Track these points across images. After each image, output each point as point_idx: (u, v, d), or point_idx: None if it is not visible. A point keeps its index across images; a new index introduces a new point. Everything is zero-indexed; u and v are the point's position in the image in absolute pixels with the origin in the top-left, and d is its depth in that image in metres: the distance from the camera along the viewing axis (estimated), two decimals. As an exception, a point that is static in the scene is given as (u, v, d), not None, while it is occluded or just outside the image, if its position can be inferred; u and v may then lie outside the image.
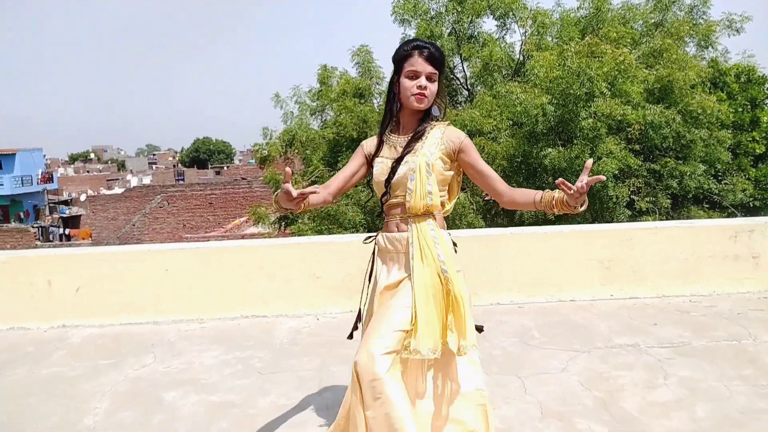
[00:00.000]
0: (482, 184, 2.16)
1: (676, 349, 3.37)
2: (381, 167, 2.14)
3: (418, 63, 2.04)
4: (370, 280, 2.26)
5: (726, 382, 2.90)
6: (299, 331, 4.07)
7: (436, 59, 2.05)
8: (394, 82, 2.12)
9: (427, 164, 2.05)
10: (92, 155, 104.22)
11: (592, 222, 8.15)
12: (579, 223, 8.04)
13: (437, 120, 2.15)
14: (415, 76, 2.04)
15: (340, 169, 9.05)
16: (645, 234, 4.58)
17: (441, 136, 2.10)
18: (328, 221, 9.83)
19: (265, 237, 13.30)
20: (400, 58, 2.09)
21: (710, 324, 3.78)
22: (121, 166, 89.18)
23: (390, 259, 2.16)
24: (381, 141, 2.19)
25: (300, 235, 9.19)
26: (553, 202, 1.99)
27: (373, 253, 2.27)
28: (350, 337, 2.36)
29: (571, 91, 8.00)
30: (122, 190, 37.41)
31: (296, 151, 11.69)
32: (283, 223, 11.68)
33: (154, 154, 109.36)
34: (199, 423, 2.79)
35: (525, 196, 2.06)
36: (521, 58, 11.10)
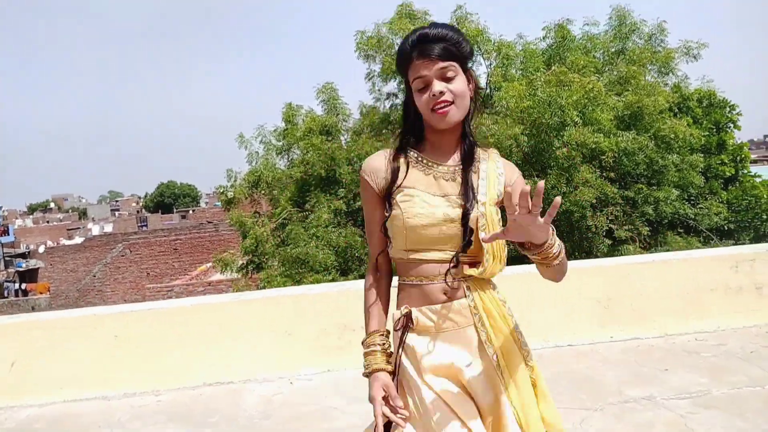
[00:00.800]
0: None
1: (695, 400, 3.01)
2: (423, 206, 1.45)
3: (421, 67, 1.43)
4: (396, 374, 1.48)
5: (763, 441, 2.54)
6: (270, 399, 3.58)
7: (447, 49, 1.42)
8: (408, 97, 1.53)
9: (498, 218, 1.46)
10: (52, 204, 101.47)
11: (573, 254, 7.89)
12: (571, 259, 7.77)
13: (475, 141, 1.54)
14: (425, 84, 1.44)
15: (308, 209, 8.44)
16: (641, 269, 4.28)
17: (502, 167, 1.53)
18: (297, 265, 9.35)
19: (232, 283, 12.69)
20: (401, 68, 1.50)
21: (725, 366, 3.44)
22: (83, 214, 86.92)
23: (446, 341, 1.47)
24: (397, 165, 1.50)
25: (269, 281, 8.68)
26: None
27: (402, 340, 1.50)
28: None
29: (543, 120, 7.85)
30: (83, 239, 36.08)
31: (262, 192, 11.25)
32: (250, 268, 11.14)
33: (116, 201, 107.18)
34: None
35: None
36: (488, 90, 11.01)
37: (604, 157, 8.06)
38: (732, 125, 11.87)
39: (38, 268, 35.18)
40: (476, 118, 1.54)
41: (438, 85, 1.41)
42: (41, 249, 38.41)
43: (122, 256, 27.38)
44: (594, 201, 7.81)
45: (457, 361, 1.45)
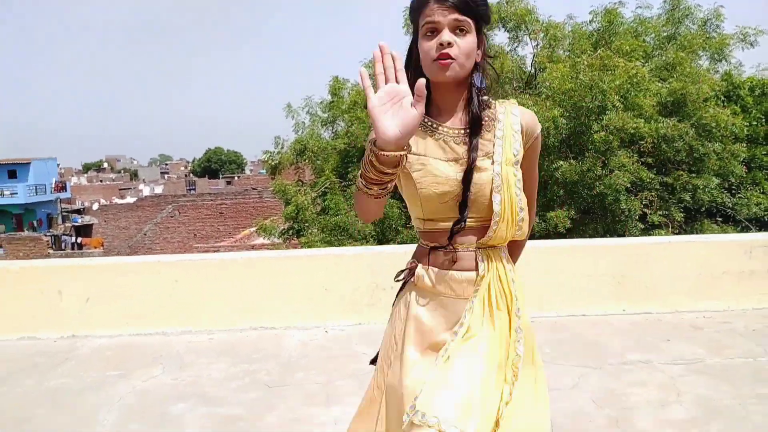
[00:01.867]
0: None
1: (689, 366, 3.31)
2: (434, 175, 1.40)
3: (436, 11, 1.33)
4: (395, 324, 1.52)
5: (741, 401, 2.84)
6: (307, 343, 4.05)
7: (465, 2, 1.33)
8: (412, 46, 1.46)
9: (516, 179, 1.41)
10: (105, 164, 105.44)
11: (604, 236, 8.07)
12: (591, 236, 7.98)
13: (485, 93, 1.44)
14: (434, 29, 1.35)
15: (350, 179, 8.90)
16: (657, 249, 4.53)
17: (519, 123, 1.44)
18: (337, 232, 9.82)
19: (274, 248, 13.32)
20: (413, 10, 1.41)
21: (724, 341, 3.71)
22: (134, 175, 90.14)
23: (440, 305, 1.46)
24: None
25: (309, 246, 9.18)
26: None
27: (401, 290, 1.55)
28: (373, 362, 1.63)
29: (584, 104, 7.97)
30: (134, 199, 37.74)
31: (307, 160, 11.73)
32: (290, 234, 11.70)
33: (166, 164, 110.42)
34: (206, 437, 2.77)
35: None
36: (533, 71, 11.09)
37: (643, 142, 8.15)
38: (784, 116, 11.60)
39: (92, 224, 37.11)
40: (490, 90, 1.46)
41: (448, 35, 1.33)
42: (95, 206, 40.41)
43: (171, 216, 28.62)
44: (629, 185, 7.95)
45: (439, 329, 1.44)
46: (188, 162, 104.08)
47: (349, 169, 10.92)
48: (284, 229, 11.22)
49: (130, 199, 42.36)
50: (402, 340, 1.47)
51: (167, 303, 4.43)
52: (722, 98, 10.14)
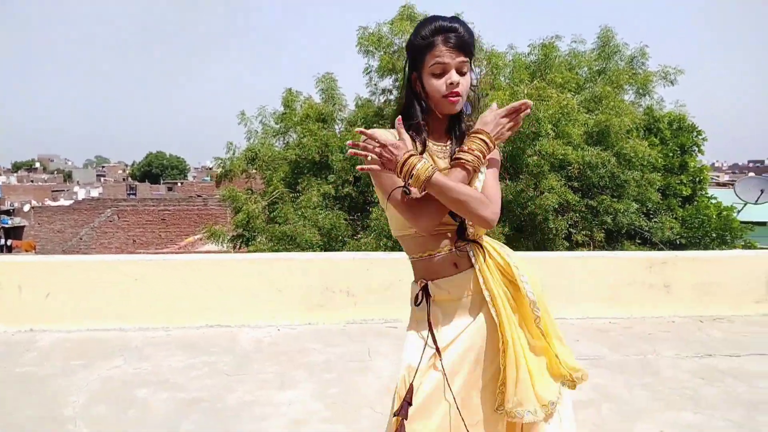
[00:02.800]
0: None
1: (592, 362, 3.89)
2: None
3: (445, 54, 1.55)
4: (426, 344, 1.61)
5: (629, 388, 3.42)
6: (261, 340, 4.40)
7: (466, 43, 1.58)
8: (414, 80, 1.64)
9: (481, 184, 1.62)
10: (38, 164, 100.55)
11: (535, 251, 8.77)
12: (523, 250, 8.66)
13: (469, 117, 1.70)
14: (443, 71, 1.57)
15: (299, 190, 9.27)
16: (575, 262, 5.16)
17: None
18: (285, 241, 10.13)
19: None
20: (419, 49, 1.60)
21: (625, 342, 4.34)
22: (68, 177, 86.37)
23: (460, 308, 1.64)
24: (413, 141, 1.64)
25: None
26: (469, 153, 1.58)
27: (429, 311, 1.63)
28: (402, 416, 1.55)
29: (520, 130, 8.69)
30: (69, 201, 36.38)
31: (258, 169, 11.98)
32: (240, 243, 11.89)
33: (103, 167, 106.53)
34: (171, 416, 3.09)
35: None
36: (477, 96, 11.82)
37: (570, 167, 8.94)
38: (696, 149, 12.82)
39: (23, 226, 35.49)
40: (475, 112, 1.70)
41: (456, 76, 1.57)
42: (26, 207, 38.63)
43: (110, 221, 27.88)
44: (557, 206, 8.70)
45: (464, 326, 1.61)
46: (127, 165, 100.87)
47: (299, 180, 11.26)
48: (233, 236, 11.41)
49: (63, 202, 40.76)
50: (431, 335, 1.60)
51: (125, 300, 4.68)
52: (643, 131, 11.16)
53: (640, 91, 12.88)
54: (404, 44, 12.33)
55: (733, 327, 4.74)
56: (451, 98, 1.59)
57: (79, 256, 5.02)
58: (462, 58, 1.58)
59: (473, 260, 1.62)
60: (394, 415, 1.55)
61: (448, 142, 1.68)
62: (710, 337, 4.47)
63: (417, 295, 1.66)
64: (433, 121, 1.67)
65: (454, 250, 1.61)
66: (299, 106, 12.65)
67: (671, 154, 11.99)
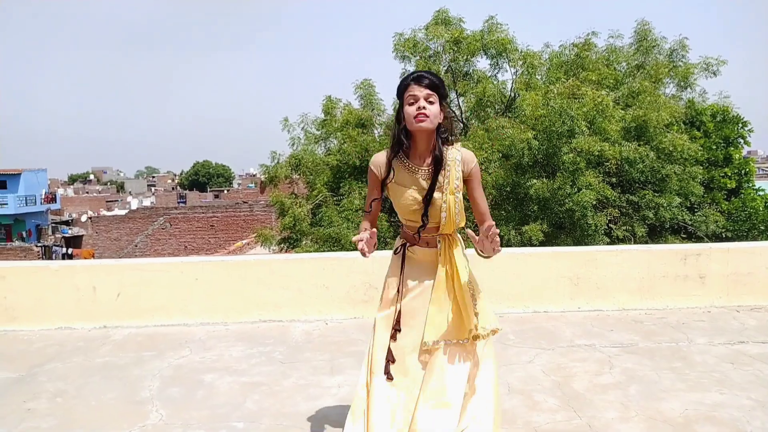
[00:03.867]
0: (473, 211, 2.44)
1: (624, 348, 4.08)
2: (408, 199, 2.33)
3: (415, 89, 2.24)
4: (399, 281, 2.48)
5: (658, 372, 3.61)
6: (311, 333, 4.76)
7: (432, 83, 2.24)
8: (399, 113, 2.34)
9: (455, 200, 2.32)
10: (92, 176, 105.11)
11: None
12: (562, 245, 8.78)
13: (449, 142, 2.34)
14: (414, 100, 2.24)
15: (342, 193, 9.75)
16: (609, 256, 5.31)
17: (460, 159, 2.32)
18: (329, 243, 10.54)
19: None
20: (401, 90, 2.30)
21: (658, 331, 4.49)
22: (120, 187, 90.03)
23: (419, 267, 2.45)
24: (390, 166, 2.36)
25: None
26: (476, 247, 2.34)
27: (403, 260, 2.49)
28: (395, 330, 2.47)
29: (554, 128, 8.84)
30: (125, 211, 38.10)
31: (301, 174, 12.46)
32: (287, 245, 12.39)
33: (153, 176, 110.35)
34: (235, 396, 3.47)
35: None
36: (512, 95, 11.98)
37: (608, 163, 9.01)
38: (742, 140, 12.58)
39: (82, 235, 37.38)
40: (451, 139, 2.36)
41: (422, 103, 2.24)
42: (83, 218, 40.67)
43: (163, 228, 29.13)
44: (595, 202, 8.79)
45: (423, 277, 2.46)
46: (175, 175, 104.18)
47: (341, 184, 11.67)
48: (281, 239, 11.91)
49: (118, 211, 42.66)
50: (400, 277, 2.49)
51: (187, 298, 5.12)
52: (684, 124, 11.08)
53: (681, 84, 12.75)
54: (440, 47, 12.66)
55: (769, 316, 4.82)
56: (418, 119, 2.24)
57: (145, 259, 5.49)
58: (428, 91, 2.25)
59: (438, 245, 2.41)
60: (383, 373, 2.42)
61: (430, 166, 2.34)
62: (744, 326, 4.57)
63: (397, 248, 2.52)
64: (416, 141, 2.34)
65: (418, 235, 2.42)
66: (339, 112, 13.08)
67: (714, 147, 11.83)
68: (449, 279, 2.40)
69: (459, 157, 2.33)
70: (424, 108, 2.23)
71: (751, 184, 12.03)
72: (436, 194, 2.32)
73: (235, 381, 3.70)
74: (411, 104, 2.26)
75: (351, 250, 10.35)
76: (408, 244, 2.49)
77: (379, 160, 2.41)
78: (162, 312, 5.09)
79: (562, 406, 3.15)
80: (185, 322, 5.07)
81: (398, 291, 2.47)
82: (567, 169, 8.85)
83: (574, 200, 8.57)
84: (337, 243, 10.24)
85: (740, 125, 12.55)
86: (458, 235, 2.52)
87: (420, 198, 2.34)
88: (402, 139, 2.34)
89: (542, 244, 8.83)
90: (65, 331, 4.96)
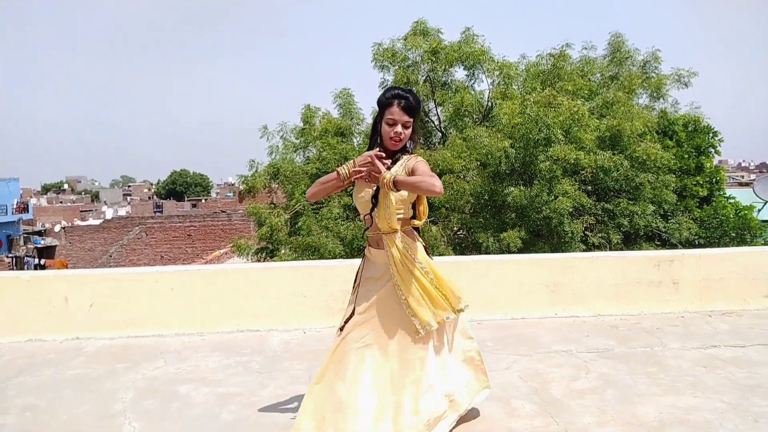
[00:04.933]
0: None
1: (600, 354, 4.12)
2: (363, 197, 2.70)
3: (396, 113, 2.55)
4: (357, 277, 2.91)
5: (633, 376, 3.65)
6: (289, 342, 4.72)
7: (412, 109, 2.58)
8: (377, 122, 2.67)
9: (391, 200, 2.63)
10: (66, 186, 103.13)
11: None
12: (539, 252, 8.87)
13: (410, 152, 2.69)
14: (393, 123, 2.56)
15: (321, 202, 9.66)
16: (585, 262, 5.38)
17: (405, 163, 2.63)
18: (308, 252, 10.48)
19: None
20: (382, 105, 2.62)
21: (632, 336, 4.55)
22: (95, 197, 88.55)
23: (373, 265, 2.80)
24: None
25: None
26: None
27: (363, 257, 2.88)
28: (340, 329, 2.87)
29: (531, 136, 8.95)
30: (99, 221, 37.45)
31: (280, 184, 12.39)
32: (264, 255, 12.28)
33: (129, 186, 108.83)
34: (211, 407, 3.42)
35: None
36: (489, 105, 12.11)
37: (583, 171, 9.15)
38: (713, 150, 12.89)
39: (55, 246, 36.57)
40: (415, 146, 2.78)
41: (399, 128, 2.61)
42: (57, 228, 39.83)
43: (138, 238, 28.69)
44: (571, 210, 8.91)
45: (377, 276, 2.77)
46: (152, 184, 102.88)
47: (320, 193, 11.61)
48: (258, 248, 11.81)
49: (92, 221, 41.91)
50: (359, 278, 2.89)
51: (163, 308, 5.04)
52: (657, 134, 11.31)
53: (654, 94, 13.03)
54: (418, 57, 12.74)
55: (741, 320, 4.92)
56: (394, 141, 2.64)
57: (119, 268, 5.40)
58: (407, 118, 2.61)
59: (385, 245, 2.68)
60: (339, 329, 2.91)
61: (391, 162, 2.68)
62: (717, 330, 4.66)
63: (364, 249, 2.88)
64: (386, 147, 2.70)
65: (366, 236, 2.84)
66: (318, 121, 13.06)
67: (686, 156, 12.09)
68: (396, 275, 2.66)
69: (412, 161, 2.62)
70: (400, 133, 2.59)
71: (722, 192, 12.31)
72: (381, 194, 2.61)
73: (211, 392, 3.65)
74: (389, 125, 2.59)
75: (330, 259, 10.32)
76: (368, 249, 2.82)
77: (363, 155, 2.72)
78: (136, 323, 5.00)
79: (540, 412, 3.17)
80: (160, 333, 4.98)
81: (354, 292, 2.87)
82: (544, 177, 8.97)
83: (551, 208, 8.68)
84: (316, 252, 10.19)
85: (711, 135, 12.85)
86: (411, 231, 2.74)
87: (370, 195, 2.67)
88: (376, 142, 2.73)
89: (520, 251, 8.91)
90: (36, 344, 4.84)
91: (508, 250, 8.90)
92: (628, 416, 3.08)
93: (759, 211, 12.63)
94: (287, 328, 5.03)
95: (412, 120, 2.59)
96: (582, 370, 3.79)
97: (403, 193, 2.61)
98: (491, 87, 11.83)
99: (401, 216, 2.69)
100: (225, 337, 4.89)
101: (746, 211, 11.57)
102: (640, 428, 2.95)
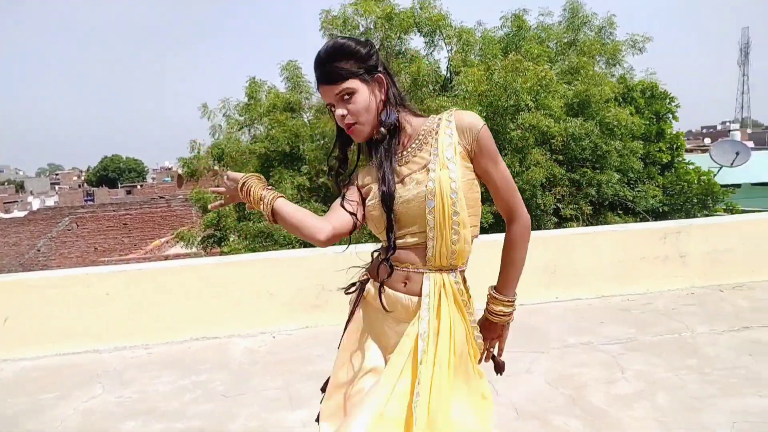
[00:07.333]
0: (494, 198, 1.51)
1: (624, 345, 3.58)
2: (372, 201, 1.48)
3: (323, 93, 1.45)
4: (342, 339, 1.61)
5: (676, 373, 3.11)
6: (255, 351, 3.95)
7: (336, 73, 1.41)
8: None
9: (451, 178, 1.37)
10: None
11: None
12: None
13: (404, 109, 1.49)
14: (332, 107, 1.46)
15: (272, 184, 8.78)
16: (582, 239, 4.84)
17: (453, 125, 1.41)
18: (261, 238, 9.61)
19: (193, 257, 12.78)
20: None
21: (650, 320, 4.04)
22: (20, 187, 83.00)
23: (385, 324, 1.50)
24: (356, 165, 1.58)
25: (234, 254, 8.91)
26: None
27: (356, 304, 1.59)
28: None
29: (499, 104, 8.36)
30: (24, 212, 34.73)
31: (225, 166, 11.37)
32: (211, 243, 11.29)
33: (56, 174, 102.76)
34: (168, 453, 2.64)
35: (503, 262, 1.65)
36: (448, 74, 11.44)
37: (554, 140, 8.67)
38: (671, 116, 12.74)
39: (-24, 242, 33.71)
40: (402, 108, 1.49)
41: (339, 110, 1.43)
42: (-23, 222, 36.75)
43: (68, 230, 26.66)
44: (544, 181, 8.42)
45: (393, 353, 1.43)
46: (82, 171, 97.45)
47: (270, 174, 10.70)
48: (204, 236, 10.81)
49: (18, 213, 38.96)
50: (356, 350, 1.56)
51: (97, 318, 4.16)
52: (620, 100, 10.98)
53: (610, 60, 12.70)
54: (371, 24, 11.90)
55: (756, 294, 4.50)
56: (349, 131, 1.46)
57: (39, 272, 4.45)
58: (336, 89, 1.42)
59: (426, 290, 1.42)
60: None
61: (408, 144, 1.47)
62: (738, 308, 4.21)
63: (354, 283, 1.59)
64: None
65: (380, 269, 1.46)
66: (264, 96, 12.05)
67: (647, 122, 11.86)
68: (432, 346, 1.40)
69: (452, 124, 1.42)
70: (343, 116, 1.43)
71: (681, 159, 12.19)
72: (418, 175, 1.41)
73: (166, 429, 2.86)
74: (333, 112, 1.46)
75: (286, 246, 9.49)
76: (372, 283, 1.52)
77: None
78: (65, 337, 4.11)
79: (589, 430, 2.56)
80: (96, 347, 4.12)
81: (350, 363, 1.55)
82: (515, 146, 8.42)
83: (523, 179, 8.16)
84: (270, 238, 9.33)
85: (668, 101, 12.68)
86: (464, 282, 1.52)
87: (380, 206, 1.44)
88: (345, 142, 1.57)
89: (491, 227, 8.36)
90: (-66, 372, 3.87)
91: (499, 226, 8.34)
92: (697, 428, 2.52)
93: (715, 175, 12.62)
94: (252, 333, 4.25)
95: (345, 87, 1.41)
96: (615, 369, 3.22)
97: (476, 188, 1.44)
98: (451, 54, 11.15)
99: (474, 229, 1.48)
100: (176, 348, 4.07)
101: (707, 176, 11.48)
102: (714, 444, 2.40)
